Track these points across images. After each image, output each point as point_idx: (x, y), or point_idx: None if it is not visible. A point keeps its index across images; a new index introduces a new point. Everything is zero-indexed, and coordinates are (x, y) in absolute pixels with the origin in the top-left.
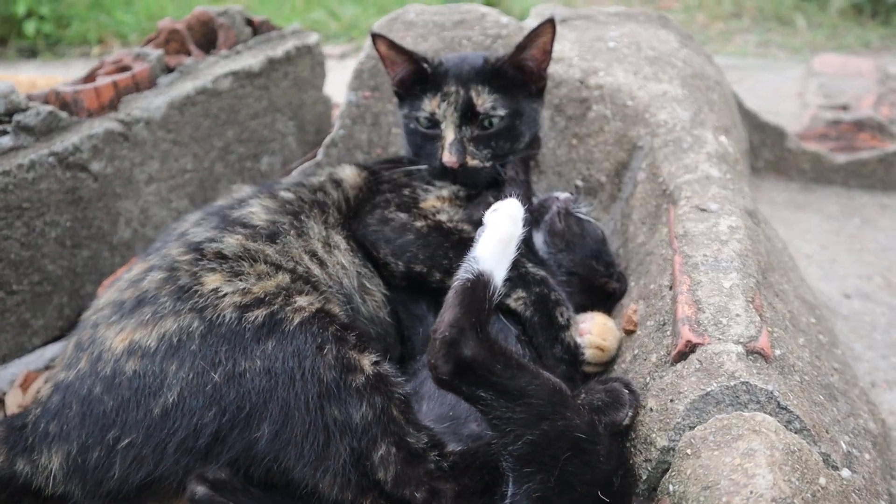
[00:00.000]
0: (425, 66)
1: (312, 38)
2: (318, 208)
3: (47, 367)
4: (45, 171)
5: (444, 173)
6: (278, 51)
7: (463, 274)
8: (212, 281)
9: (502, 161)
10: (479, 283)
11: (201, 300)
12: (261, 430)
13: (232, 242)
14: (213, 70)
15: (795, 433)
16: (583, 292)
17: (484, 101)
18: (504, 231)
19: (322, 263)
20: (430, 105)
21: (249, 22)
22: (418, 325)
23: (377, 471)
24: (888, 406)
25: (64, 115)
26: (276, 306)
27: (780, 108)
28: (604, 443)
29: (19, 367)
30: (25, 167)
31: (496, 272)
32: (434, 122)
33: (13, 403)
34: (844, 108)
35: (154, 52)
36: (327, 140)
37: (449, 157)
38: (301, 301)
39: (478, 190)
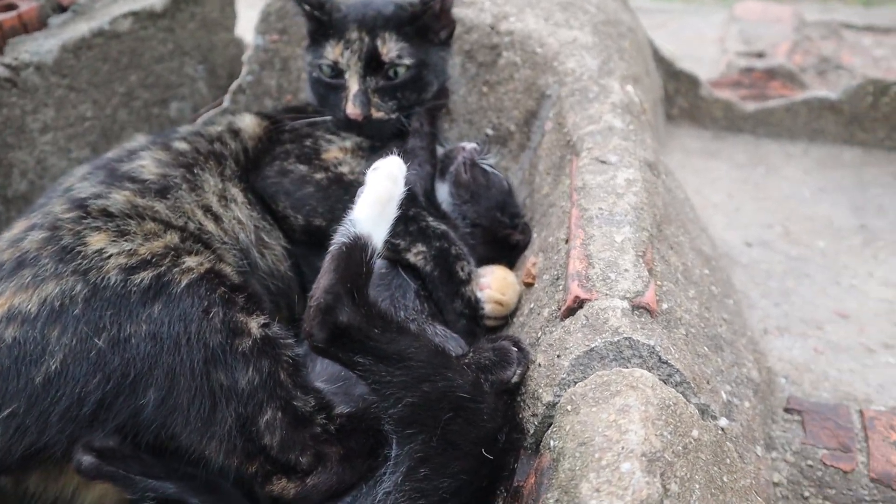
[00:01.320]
0: (317, 14)
1: None
2: (215, 160)
3: None
4: None
5: (349, 125)
6: None
7: (339, 238)
8: (96, 241)
9: (409, 112)
10: (356, 246)
11: (85, 262)
12: (147, 396)
13: (119, 199)
14: (110, 10)
15: (675, 386)
16: (487, 244)
17: (389, 49)
18: (383, 191)
19: (217, 218)
20: (332, 53)
21: None
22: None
23: (263, 436)
24: (777, 352)
25: None
26: (163, 268)
27: (701, 53)
28: (488, 401)
29: None
30: None
31: (374, 234)
32: (337, 72)
33: None
34: (760, 55)
35: None
36: (234, 86)
37: (353, 110)
38: (190, 262)
39: (383, 142)
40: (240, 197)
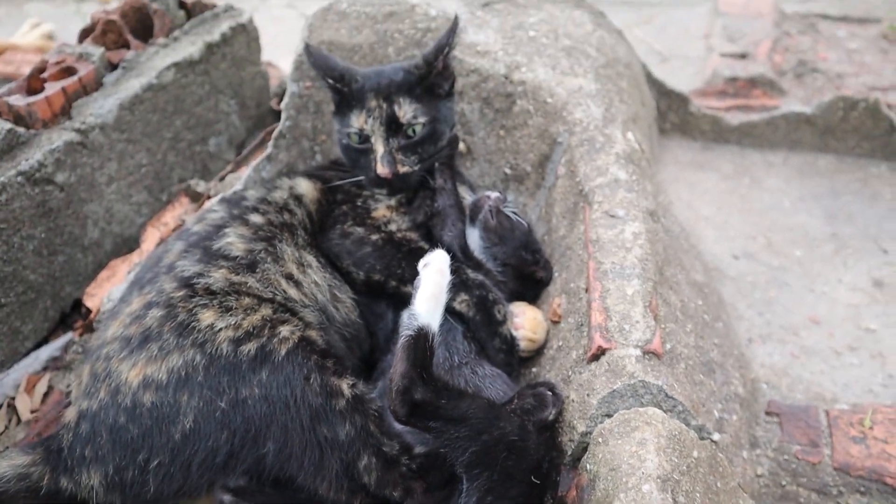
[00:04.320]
0: (339, 86)
1: (245, 16)
2: (288, 231)
3: (45, 368)
4: (15, 191)
5: (379, 182)
6: (215, 34)
7: (406, 331)
8: (206, 317)
9: (430, 162)
10: (420, 336)
11: (200, 335)
12: (266, 447)
13: (218, 277)
14: (154, 63)
15: (678, 415)
16: (516, 280)
17: (406, 112)
18: (435, 286)
19: (298, 284)
20: (357, 121)
21: (182, 4)
22: (380, 321)
23: (362, 477)
24: (760, 359)
25: (21, 130)
26: (264, 338)
27: (687, 51)
28: (532, 438)
29: (20, 371)
30: None
31: (433, 322)
32: (364, 137)
33: (25, 409)
34: (743, 55)
35: (97, 52)
36: (276, 133)
37: (382, 169)
38: (285, 331)
39: (413, 191)
40: (314, 262)
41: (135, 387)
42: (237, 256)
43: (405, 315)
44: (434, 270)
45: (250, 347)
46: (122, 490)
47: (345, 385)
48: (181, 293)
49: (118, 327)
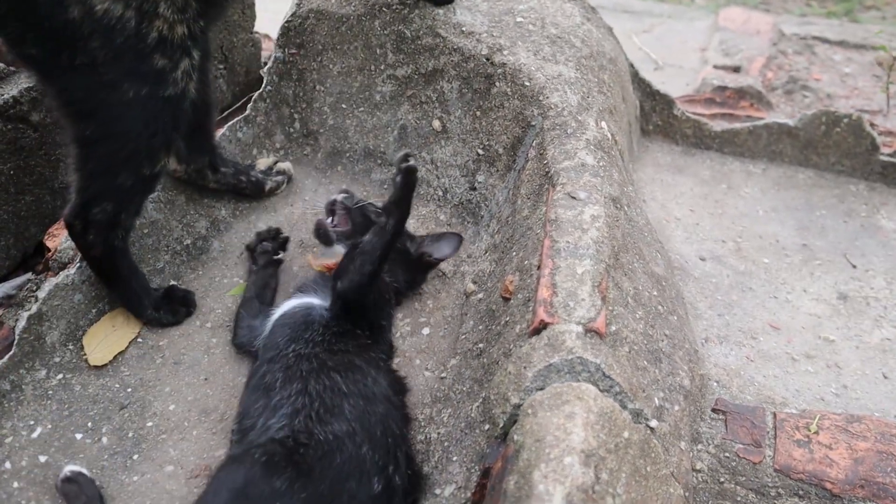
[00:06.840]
0: None
1: None
2: None
3: (0, 305)
4: None
5: None
6: None
7: None
8: None
9: None
10: None
11: None
12: None
13: None
14: None
15: (613, 396)
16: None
17: None
18: None
19: None
20: None
21: None
22: None
23: None
24: (714, 359)
25: (1, 65)
26: None
27: (683, 62)
28: None
29: None
30: None
31: None
32: None
33: None
34: (736, 69)
35: None
36: (255, 95)
37: None
38: None
39: None
40: None
41: None
42: None
43: None
44: None
45: None
46: None
47: None
48: None
49: None
